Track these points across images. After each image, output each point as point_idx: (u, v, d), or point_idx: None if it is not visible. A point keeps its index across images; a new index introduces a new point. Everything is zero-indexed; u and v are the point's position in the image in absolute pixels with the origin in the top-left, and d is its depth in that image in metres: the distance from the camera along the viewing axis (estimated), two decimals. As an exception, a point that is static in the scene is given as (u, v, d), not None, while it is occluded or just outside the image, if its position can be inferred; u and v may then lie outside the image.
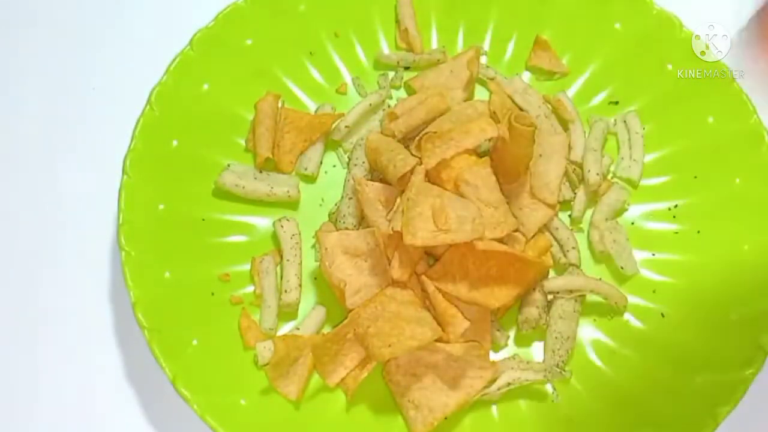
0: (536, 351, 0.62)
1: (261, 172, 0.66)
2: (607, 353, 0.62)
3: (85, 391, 0.63)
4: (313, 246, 0.65)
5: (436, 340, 0.57)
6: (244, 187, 0.65)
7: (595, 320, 0.63)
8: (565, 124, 0.68)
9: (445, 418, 0.58)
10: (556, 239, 0.64)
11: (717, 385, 0.59)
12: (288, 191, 0.66)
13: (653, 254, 0.65)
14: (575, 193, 0.66)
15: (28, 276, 0.67)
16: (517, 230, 0.62)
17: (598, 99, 0.70)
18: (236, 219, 0.65)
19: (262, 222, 0.66)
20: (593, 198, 0.67)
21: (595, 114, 0.69)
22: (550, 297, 0.62)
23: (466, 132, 0.60)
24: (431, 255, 0.62)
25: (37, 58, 0.75)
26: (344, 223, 0.63)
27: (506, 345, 0.62)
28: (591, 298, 0.63)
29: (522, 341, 0.63)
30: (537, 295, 0.61)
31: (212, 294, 0.62)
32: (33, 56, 0.75)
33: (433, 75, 0.69)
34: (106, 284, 0.66)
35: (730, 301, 0.62)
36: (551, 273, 0.64)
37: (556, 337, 0.61)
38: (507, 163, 0.62)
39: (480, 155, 0.63)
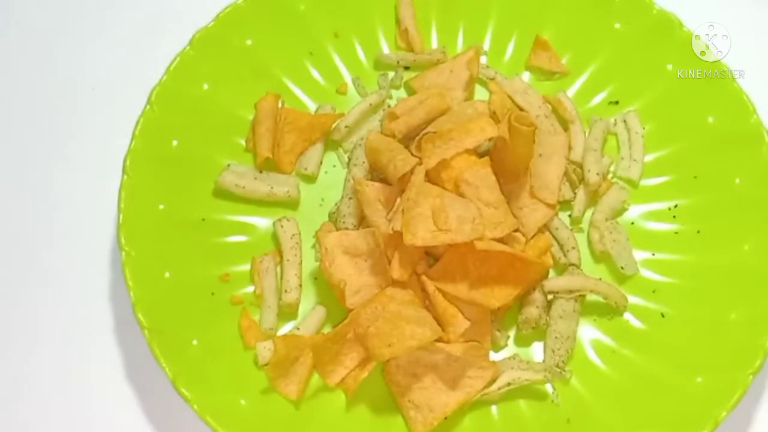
0: (536, 351, 0.62)
1: (261, 172, 0.66)
2: (607, 353, 0.62)
3: (85, 391, 0.63)
4: (313, 246, 0.65)
5: (436, 340, 0.57)
6: (244, 187, 0.65)
7: (595, 320, 0.63)
8: (565, 124, 0.68)
9: (445, 418, 0.58)
10: (556, 239, 0.64)
11: (717, 385, 0.58)
12: (288, 191, 0.66)
13: (653, 254, 0.65)
14: (575, 193, 0.66)
15: (28, 276, 0.67)
16: (517, 230, 0.62)
17: (598, 99, 0.70)
18: (236, 219, 0.65)
19: (262, 222, 0.66)
20: (593, 198, 0.67)
21: (595, 114, 0.69)
22: (550, 297, 0.62)
23: (466, 132, 0.60)
24: (431, 255, 0.62)
25: (37, 57, 0.75)
26: (344, 223, 0.63)
27: (506, 345, 0.62)
28: (591, 298, 0.63)
29: (522, 341, 0.63)
30: (537, 295, 0.61)
31: (212, 294, 0.62)
32: (33, 56, 0.75)
33: (433, 75, 0.69)
34: (106, 284, 0.66)
35: (730, 301, 0.62)
36: (551, 273, 0.64)
37: (556, 337, 0.61)
38: (507, 163, 0.62)
39: (480, 155, 0.62)
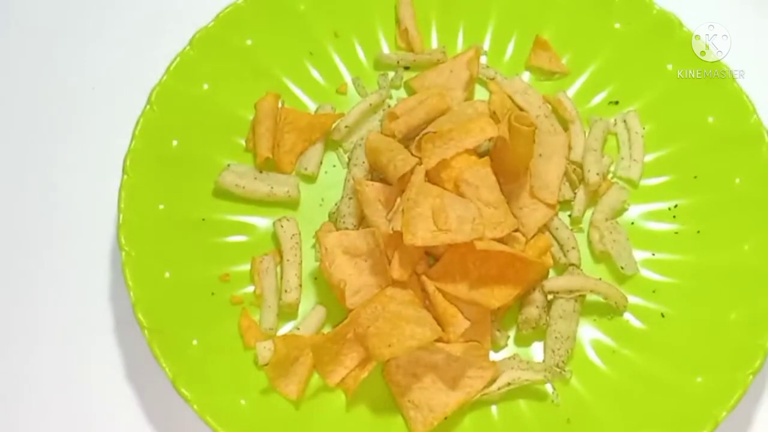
0: (536, 351, 0.62)
1: (261, 172, 0.66)
2: (607, 353, 0.62)
3: (85, 391, 0.63)
4: (313, 246, 0.65)
5: (436, 340, 0.57)
6: (244, 187, 0.65)
7: (595, 320, 0.63)
8: (565, 124, 0.68)
9: (445, 418, 0.58)
10: (556, 239, 0.64)
11: (717, 385, 0.58)
12: (288, 191, 0.66)
13: (653, 254, 0.65)
14: (575, 193, 0.66)
15: (28, 276, 0.66)
16: (517, 230, 0.62)
17: (598, 99, 0.70)
18: (236, 219, 0.65)
19: (262, 222, 0.66)
20: (593, 198, 0.67)
21: (595, 114, 0.69)
22: (550, 297, 0.62)
23: (466, 132, 0.60)
24: (431, 255, 0.62)
25: (37, 58, 0.75)
26: (344, 223, 0.63)
27: (506, 345, 0.62)
28: (591, 298, 0.63)
29: (522, 341, 0.63)
30: (537, 295, 0.61)
31: (212, 294, 0.62)
32: (33, 56, 0.75)
33: (433, 75, 0.69)
34: (106, 284, 0.66)
35: (730, 301, 0.62)
36: (551, 273, 0.64)
37: (556, 337, 0.61)
38: (507, 163, 0.62)
39: (480, 155, 0.63)
